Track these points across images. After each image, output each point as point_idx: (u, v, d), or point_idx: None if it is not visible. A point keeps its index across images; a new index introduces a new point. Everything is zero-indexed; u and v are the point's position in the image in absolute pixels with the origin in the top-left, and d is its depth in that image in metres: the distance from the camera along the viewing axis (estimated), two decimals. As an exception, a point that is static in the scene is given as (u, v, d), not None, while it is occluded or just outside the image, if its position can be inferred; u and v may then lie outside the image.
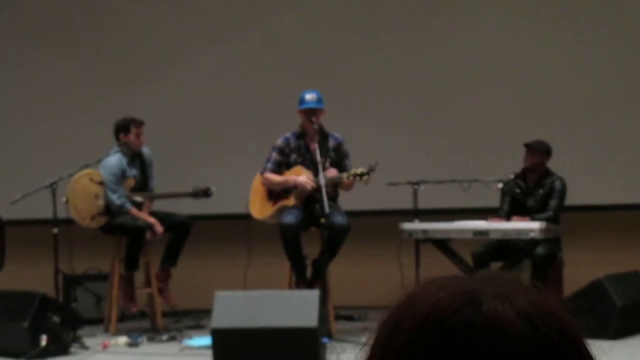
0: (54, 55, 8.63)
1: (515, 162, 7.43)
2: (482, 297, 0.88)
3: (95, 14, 8.66)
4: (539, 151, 7.34)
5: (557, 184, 7.33)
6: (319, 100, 7.03)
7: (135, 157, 7.43)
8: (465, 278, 0.92)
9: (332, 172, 6.87)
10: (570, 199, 7.46)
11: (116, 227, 7.29)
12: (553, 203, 7.27)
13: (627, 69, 8.21)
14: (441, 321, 0.87)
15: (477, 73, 8.27)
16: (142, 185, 7.47)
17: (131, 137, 7.33)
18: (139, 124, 7.35)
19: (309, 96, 7.01)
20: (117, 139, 7.38)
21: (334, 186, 7.01)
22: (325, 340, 6.11)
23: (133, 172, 7.43)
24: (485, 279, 0.91)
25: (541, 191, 7.35)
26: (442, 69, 8.31)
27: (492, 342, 0.85)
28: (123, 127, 7.35)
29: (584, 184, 7.80)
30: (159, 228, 7.23)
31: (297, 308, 5.95)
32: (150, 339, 7.00)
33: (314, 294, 6.09)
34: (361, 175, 6.70)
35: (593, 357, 0.90)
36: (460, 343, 0.85)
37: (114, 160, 7.32)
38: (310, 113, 6.97)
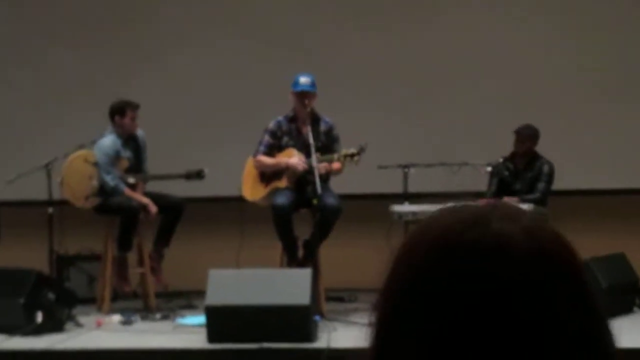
0: (49, 38, 8.68)
1: (504, 146, 7.56)
2: (491, 218, 0.95)
3: (91, 2, 8.72)
4: (528, 136, 7.48)
5: (545, 168, 7.46)
6: (313, 84, 7.11)
7: (129, 139, 7.50)
8: (474, 205, 1.00)
9: (323, 167, 6.92)
10: (557, 184, 7.59)
11: (110, 207, 7.36)
12: (541, 186, 7.40)
13: (615, 56, 8.33)
14: (453, 240, 0.94)
15: (468, 58, 8.37)
16: (136, 167, 7.55)
17: (126, 120, 7.40)
18: (135, 107, 7.42)
19: (303, 79, 7.09)
20: (113, 120, 7.45)
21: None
22: (317, 318, 6.21)
23: (127, 153, 7.50)
24: (492, 205, 0.99)
25: (529, 174, 7.49)
26: (433, 53, 8.41)
27: (500, 257, 0.92)
28: (119, 110, 7.42)
29: (570, 168, 7.91)
30: (152, 208, 7.31)
31: (290, 286, 6.05)
32: (144, 318, 7.08)
33: (306, 273, 6.19)
34: (352, 155, 6.79)
35: (587, 273, 0.97)
36: (471, 259, 0.92)
37: (108, 141, 7.39)
38: (303, 96, 7.05)
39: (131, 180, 7.43)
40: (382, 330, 0.97)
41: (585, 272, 0.97)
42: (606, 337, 0.96)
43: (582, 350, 0.93)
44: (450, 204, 1.02)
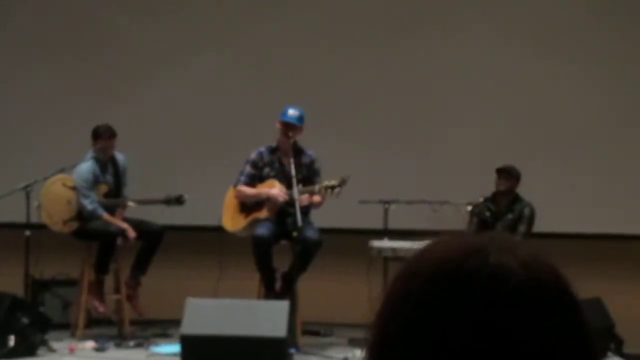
0: (35, 60, 8.66)
1: (484, 186, 7.58)
2: (489, 249, 0.98)
3: (78, 23, 8.72)
4: (511, 176, 7.52)
5: (527, 211, 7.50)
6: (300, 118, 7.13)
7: (107, 164, 7.49)
8: (472, 235, 1.03)
9: (304, 199, 6.93)
10: (536, 226, 7.62)
11: (88, 232, 7.32)
12: (522, 228, 7.43)
13: (604, 96, 8.40)
14: (453, 269, 0.96)
15: (451, 96, 8.42)
16: (116, 191, 7.52)
17: (98, 146, 7.37)
18: (111, 135, 7.37)
19: (292, 112, 7.12)
20: (94, 144, 7.44)
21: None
22: (292, 350, 6.18)
23: (107, 178, 7.48)
24: (489, 236, 1.01)
25: (510, 216, 7.51)
26: (416, 90, 8.45)
27: (498, 288, 0.94)
28: (94, 134, 7.41)
29: (549, 211, 7.93)
30: (131, 233, 7.27)
31: (267, 318, 6.03)
32: (118, 345, 7.03)
33: (283, 305, 6.17)
34: (332, 187, 6.80)
35: (581, 306, 1.00)
36: (470, 288, 0.94)
37: (86, 166, 7.38)
38: (288, 128, 7.07)
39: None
40: (378, 357, 0.97)
41: (579, 303, 1.00)
42: None
43: None
44: (441, 236, 1.04)
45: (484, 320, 0.93)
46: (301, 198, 6.82)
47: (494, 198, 7.58)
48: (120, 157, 7.56)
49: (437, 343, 0.93)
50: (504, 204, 7.54)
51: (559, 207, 8.18)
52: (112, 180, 7.50)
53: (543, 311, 0.95)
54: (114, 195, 7.49)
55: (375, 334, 0.98)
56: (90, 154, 7.43)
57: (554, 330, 0.95)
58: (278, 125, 7.14)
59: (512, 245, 0.99)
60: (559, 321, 0.96)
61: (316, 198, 7.03)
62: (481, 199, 7.54)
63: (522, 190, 7.60)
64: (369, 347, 0.98)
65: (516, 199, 7.56)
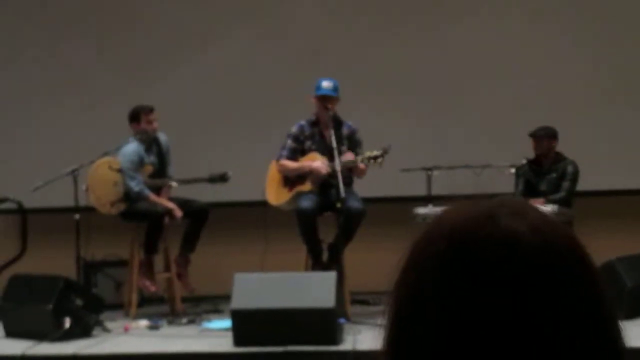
0: (75, 44, 8.77)
1: (526, 148, 7.56)
2: (500, 214, 1.00)
3: (113, 4, 8.80)
4: (544, 138, 7.49)
5: (570, 168, 7.48)
6: (335, 89, 7.15)
7: (152, 144, 7.56)
8: (484, 201, 1.05)
9: (349, 156, 6.98)
10: (583, 185, 7.58)
11: (135, 213, 7.42)
12: (566, 185, 7.42)
13: (633, 59, 8.32)
14: (465, 235, 0.99)
15: (490, 61, 8.39)
16: (160, 171, 7.61)
17: (143, 124, 7.46)
18: (149, 110, 7.47)
19: (326, 83, 7.13)
20: (132, 127, 7.53)
21: (349, 171, 7.12)
22: (342, 320, 6.24)
23: (151, 159, 7.56)
24: (501, 202, 1.04)
25: (554, 175, 7.49)
26: (453, 58, 8.43)
27: (509, 251, 0.97)
28: (134, 117, 7.49)
29: (593, 169, 7.90)
30: (177, 212, 7.36)
31: (315, 289, 6.07)
32: (170, 322, 7.14)
33: (331, 276, 6.21)
34: (375, 157, 6.82)
35: (595, 267, 1.01)
36: (482, 252, 0.97)
37: (132, 147, 7.45)
38: (326, 100, 7.09)
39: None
40: (397, 322, 1.00)
41: (594, 268, 1.01)
42: (614, 329, 0.99)
43: (591, 341, 0.96)
44: (456, 203, 1.06)
45: (495, 286, 0.95)
46: (343, 158, 6.84)
47: (536, 160, 7.57)
48: (162, 137, 7.63)
49: (451, 311, 0.96)
50: (547, 164, 7.53)
51: (602, 164, 8.13)
52: (156, 160, 7.58)
53: (555, 274, 0.96)
54: (159, 176, 7.57)
55: (392, 301, 1.02)
56: (131, 137, 7.50)
57: (567, 291, 0.96)
58: (314, 101, 7.16)
59: (523, 209, 1.01)
60: (571, 285, 0.97)
61: (360, 167, 7.05)
62: (524, 161, 7.52)
63: (562, 149, 7.57)
64: (388, 314, 1.02)
65: (558, 157, 7.54)
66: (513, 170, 7.52)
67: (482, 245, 0.97)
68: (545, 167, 7.55)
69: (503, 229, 0.98)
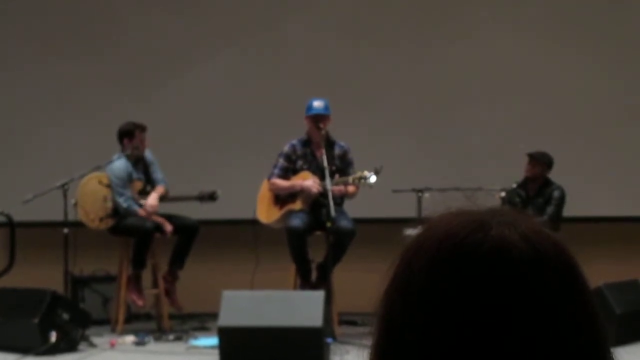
0: (67, 58, 8.76)
1: (517, 171, 7.58)
2: (491, 223, 0.99)
3: (106, 20, 8.81)
4: (540, 162, 7.52)
5: (556, 193, 7.53)
6: (326, 107, 7.17)
7: (138, 161, 7.57)
8: (474, 210, 1.04)
9: (338, 190, 6.99)
10: (571, 210, 7.60)
11: (124, 228, 7.41)
12: (550, 209, 7.47)
13: (633, 82, 8.36)
14: (455, 244, 0.98)
15: (483, 83, 8.41)
16: (149, 186, 7.59)
17: (135, 142, 7.45)
18: (143, 129, 7.48)
19: (317, 103, 7.16)
20: (121, 143, 7.51)
21: (341, 198, 7.15)
22: (329, 340, 6.22)
23: (139, 175, 7.55)
24: (492, 211, 1.03)
25: (541, 200, 7.53)
26: (448, 78, 8.45)
27: (499, 261, 0.96)
28: (127, 133, 7.48)
29: (584, 195, 7.92)
30: (168, 226, 7.35)
31: (303, 308, 6.07)
32: (157, 339, 7.12)
33: (319, 295, 6.21)
34: (366, 178, 6.83)
35: (585, 278, 1.01)
36: (472, 262, 0.96)
37: (121, 163, 7.45)
38: (317, 119, 7.11)
39: (143, 202, 7.48)
40: (386, 328, 1.00)
41: (584, 279, 1.01)
42: (602, 338, 0.98)
43: (580, 349, 0.96)
44: (445, 212, 1.06)
45: (485, 293, 0.95)
46: (335, 188, 6.86)
47: (524, 183, 7.61)
48: (146, 152, 7.63)
49: (440, 317, 0.95)
50: (534, 189, 7.58)
51: (593, 190, 8.15)
52: (143, 177, 7.58)
53: (544, 283, 0.96)
54: (147, 192, 7.56)
55: (382, 307, 1.01)
56: (119, 153, 7.49)
57: (555, 304, 0.96)
58: (306, 122, 7.17)
59: (514, 219, 1.01)
60: (560, 294, 0.96)
61: (350, 188, 7.07)
62: (514, 185, 7.54)
63: (555, 173, 7.60)
64: (376, 325, 1.01)
65: (546, 183, 7.59)
66: (503, 194, 7.53)
67: (473, 253, 0.97)
68: (532, 192, 7.61)
69: (494, 237, 0.98)
